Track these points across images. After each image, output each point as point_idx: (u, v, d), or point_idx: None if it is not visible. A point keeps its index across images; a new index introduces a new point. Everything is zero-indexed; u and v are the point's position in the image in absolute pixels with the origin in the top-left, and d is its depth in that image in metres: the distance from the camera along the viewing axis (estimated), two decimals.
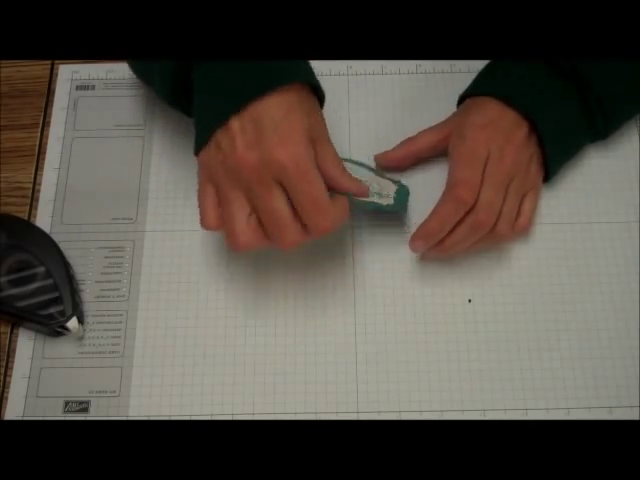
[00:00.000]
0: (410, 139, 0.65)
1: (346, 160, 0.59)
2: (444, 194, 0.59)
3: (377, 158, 0.66)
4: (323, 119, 0.56)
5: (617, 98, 0.63)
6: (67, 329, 0.59)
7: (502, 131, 0.60)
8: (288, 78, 0.53)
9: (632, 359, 0.60)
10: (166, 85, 0.58)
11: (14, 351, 0.60)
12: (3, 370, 0.60)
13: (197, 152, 0.55)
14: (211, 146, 0.54)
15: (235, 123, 0.52)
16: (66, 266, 0.61)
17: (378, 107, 0.70)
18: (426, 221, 0.59)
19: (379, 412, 0.58)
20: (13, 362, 0.60)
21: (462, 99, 0.66)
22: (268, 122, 0.51)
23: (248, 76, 0.53)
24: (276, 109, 0.52)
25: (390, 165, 0.65)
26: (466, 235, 0.59)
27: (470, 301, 0.62)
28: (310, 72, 0.56)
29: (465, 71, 0.70)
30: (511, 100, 0.61)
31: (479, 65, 0.66)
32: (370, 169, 0.62)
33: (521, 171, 0.61)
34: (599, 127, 0.64)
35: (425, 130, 0.65)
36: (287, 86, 0.53)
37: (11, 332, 0.61)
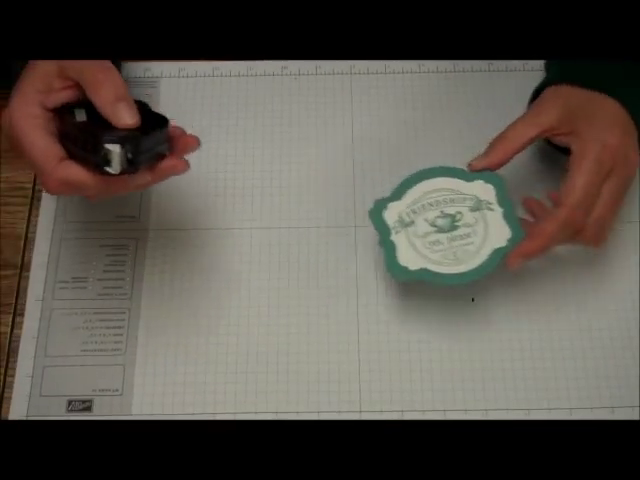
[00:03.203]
0: (502, 138, 0.58)
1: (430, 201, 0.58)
2: (558, 211, 0.55)
3: (473, 167, 0.58)
4: None
5: None
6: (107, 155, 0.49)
7: (628, 133, 0.57)
8: None
9: (633, 359, 0.60)
10: None
11: (15, 351, 0.60)
12: (3, 370, 0.60)
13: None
14: None
15: None
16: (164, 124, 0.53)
17: (381, 106, 0.69)
18: (531, 240, 0.55)
19: (382, 412, 0.58)
20: (15, 362, 0.60)
21: (543, 86, 0.60)
22: None
23: None
24: None
25: (488, 169, 0.58)
26: (559, 243, 0.57)
27: (473, 300, 0.62)
28: None
29: (468, 70, 0.70)
30: (625, 100, 0.57)
31: (482, 65, 0.66)
32: (473, 200, 0.58)
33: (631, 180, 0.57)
34: None
35: (516, 124, 0.58)
36: None
37: (11, 332, 0.61)
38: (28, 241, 0.64)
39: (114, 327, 0.61)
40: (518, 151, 0.57)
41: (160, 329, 0.61)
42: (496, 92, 0.70)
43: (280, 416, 0.58)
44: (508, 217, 0.57)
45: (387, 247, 0.57)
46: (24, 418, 0.58)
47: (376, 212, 0.58)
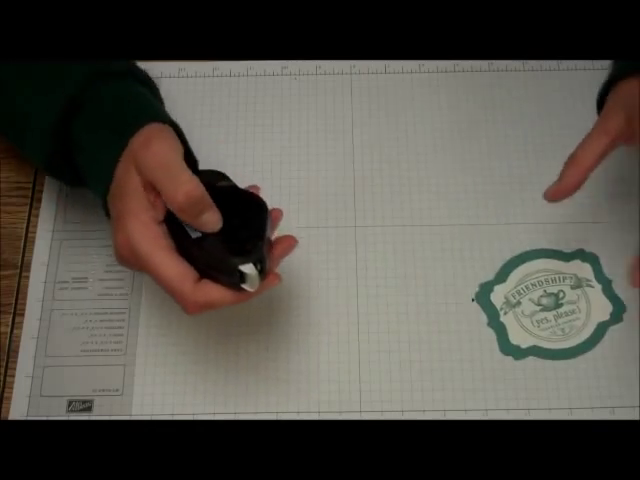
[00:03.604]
0: (573, 158, 0.54)
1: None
2: None
3: (551, 196, 0.54)
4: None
5: None
6: (243, 275, 0.50)
7: None
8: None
9: (634, 359, 0.60)
10: (44, 145, 0.55)
11: (15, 351, 0.60)
12: (3, 370, 0.60)
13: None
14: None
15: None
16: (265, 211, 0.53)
17: (381, 106, 0.69)
18: None
19: (382, 412, 0.58)
20: (15, 362, 0.60)
21: (608, 85, 0.56)
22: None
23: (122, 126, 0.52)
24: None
25: (564, 196, 0.55)
26: None
27: (474, 300, 0.62)
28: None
29: (468, 70, 0.70)
30: None
31: (482, 65, 0.66)
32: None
33: None
34: None
35: (585, 140, 0.54)
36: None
37: (11, 332, 0.61)
38: (28, 241, 0.64)
39: (114, 327, 0.61)
40: (592, 169, 0.53)
41: (160, 329, 0.61)
42: (496, 92, 0.70)
43: (280, 416, 0.58)
44: (607, 292, 0.61)
45: (498, 328, 0.60)
46: (24, 418, 0.58)
47: (483, 295, 0.62)
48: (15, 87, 0.56)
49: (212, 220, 0.50)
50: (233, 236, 0.50)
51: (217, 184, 0.53)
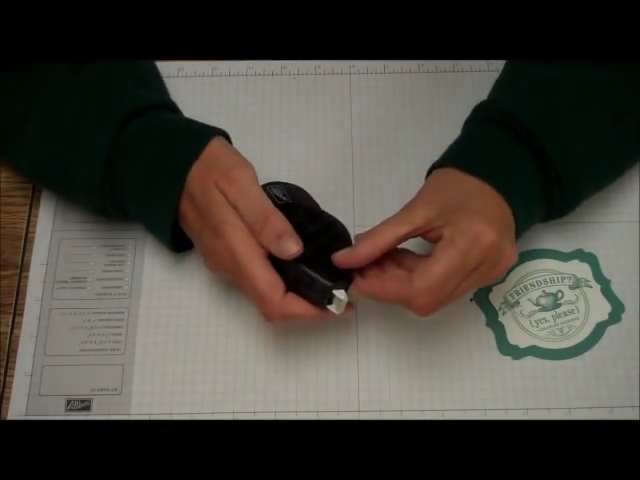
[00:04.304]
0: (372, 233, 0.53)
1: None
2: (404, 287, 0.51)
3: (340, 262, 0.53)
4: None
5: (578, 176, 0.57)
6: (332, 298, 0.52)
7: (505, 229, 0.53)
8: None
9: (633, 359, 0.60)
10: (94, 198, 0.58)
11: (15, 351, 0.60)
12: (3, 370, 0.60)
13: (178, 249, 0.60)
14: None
15: (183, 207, 0.56)
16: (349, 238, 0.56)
17: (380, 106, 0.69)
18: (365, 281, 0.53)
19: (380, 411, 0.58)
20: (14, 362, 0.60)
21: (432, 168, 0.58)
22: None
23: (175, 154, 0.56)
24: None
25: (355, 266, 0.53)
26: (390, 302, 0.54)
27: (472, 300, 0.62)
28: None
29: (467, 70, 0.70)
30: (504, 189, 0.54)
31: (482, 65, 0.66)
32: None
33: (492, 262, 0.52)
34: (555, 204, 0.57)
35: (389, 220, 0.53)
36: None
37: (11, 332, 0.61)
38: (28, 241, 0.64)
39: (113, 327, 0.61)
40: (386, 249, 0.53)
41: (159, 329, 0.61)
42: None
43: (279, 416, 0.58)
44: (606, 292, 0.61)
45: (496, 328, 0.61)
46: (23, 417, 0.58)
47: (481, 295, 0.62)
48: (52, 138, 0.59)
49: (293, 249, 0.52)
50: (325, 257, 0.53)
51: (301, 204, 0.57)
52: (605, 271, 0.62)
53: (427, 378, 0.59)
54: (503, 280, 0.62)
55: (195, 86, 0.71)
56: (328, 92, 0.70)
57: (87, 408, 0.58)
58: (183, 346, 0.60)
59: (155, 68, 0.68)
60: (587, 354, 0.60)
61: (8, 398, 0.59)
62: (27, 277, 0.63)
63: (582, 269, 0.63)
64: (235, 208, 0.53)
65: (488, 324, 0.61)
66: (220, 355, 0.60)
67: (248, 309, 0.62)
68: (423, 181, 0.57)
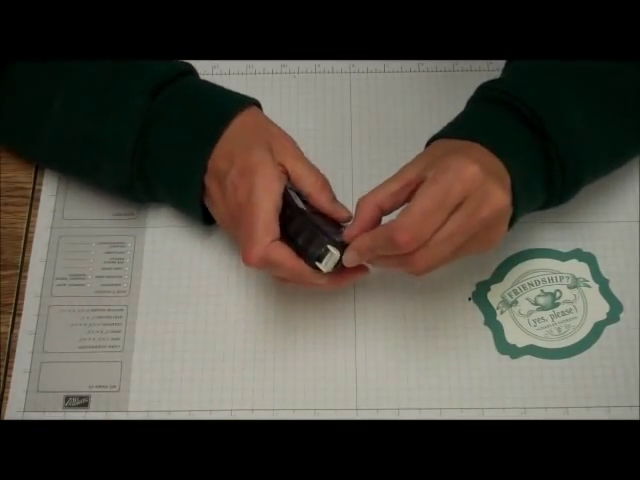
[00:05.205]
0: (369, 194, 0.54)
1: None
2: (386, 226, 0.51)
3: (347, 236, 0.53)
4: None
5: (580, 157, 0.56)
6: (325, 253, 0.53)
7: (492, 173, 0.52)
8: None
9: (631, 359, 0.60)
10: (123, 169, 0.59)
11: (14, 351, 0.60)
12: (3, 370, 0.60)
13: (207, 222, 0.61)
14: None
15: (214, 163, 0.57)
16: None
17: (380, 105, 0.70)
18: (361, 238, 0.53)
19: (378, 410, 0.58)
20: (13, 362, 0.60)
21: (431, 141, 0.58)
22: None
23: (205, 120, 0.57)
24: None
25: (364, 230, 0.53)
26: (385, 265, 0.54)
27: (470, 299, 0.62)
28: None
29: (467, 70, 0.70)
30: (497, 148, 0.54)
31: (482, 65, 0.66)
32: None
33: (484, 229, 0.52)
34: (556, 186, 0.57)
35: (384, 181, 0.54)
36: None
37: (11, 332, 0.61)
38: (28, 241, 0.64)
39: (112, 324, 0.61)
40: (384, 205, 0.53)
41: (157, 326, 0.61)
42: None
43: (277, 414, 0.58)
44: (604, 292, 0.61)
45: (494, 328, 0.60)
46: (21, 413, 0.58)
47: (479, 294, 0.62)
48: (79, 115, 0.59)
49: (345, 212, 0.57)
50: (331, 226, 0.56)
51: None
52: (604, 271, 0.62)
53: (424, 377, 0.59)
54: (501, 279, 0.62)
55: None
56: (328, 91, 0.70)
57: (85, 405, 0.58)
58: (181, 343, 0.60)
59: None
60: (585, 354, 0.60)
61: (7, 398, 0.59)
62: (27, 277, 0.63)
63: (581, 269, 0.63)
64: (282, 165, 0.56)
65: (486, 323, 0.61)
66: (218, 352, 0.60)
67: (247, 307, 0.62)
68: None
